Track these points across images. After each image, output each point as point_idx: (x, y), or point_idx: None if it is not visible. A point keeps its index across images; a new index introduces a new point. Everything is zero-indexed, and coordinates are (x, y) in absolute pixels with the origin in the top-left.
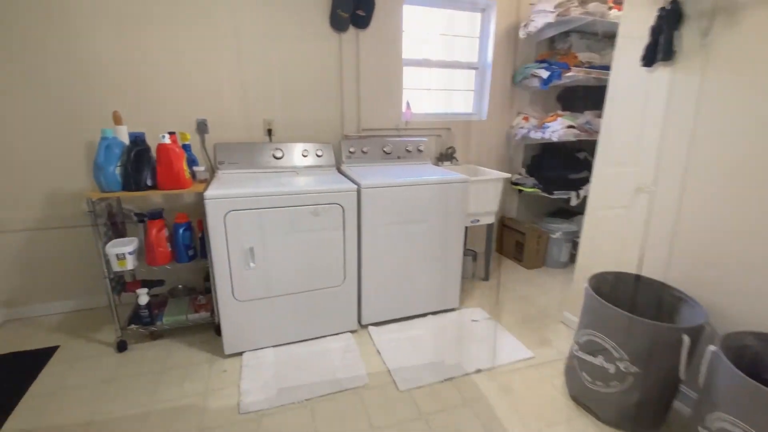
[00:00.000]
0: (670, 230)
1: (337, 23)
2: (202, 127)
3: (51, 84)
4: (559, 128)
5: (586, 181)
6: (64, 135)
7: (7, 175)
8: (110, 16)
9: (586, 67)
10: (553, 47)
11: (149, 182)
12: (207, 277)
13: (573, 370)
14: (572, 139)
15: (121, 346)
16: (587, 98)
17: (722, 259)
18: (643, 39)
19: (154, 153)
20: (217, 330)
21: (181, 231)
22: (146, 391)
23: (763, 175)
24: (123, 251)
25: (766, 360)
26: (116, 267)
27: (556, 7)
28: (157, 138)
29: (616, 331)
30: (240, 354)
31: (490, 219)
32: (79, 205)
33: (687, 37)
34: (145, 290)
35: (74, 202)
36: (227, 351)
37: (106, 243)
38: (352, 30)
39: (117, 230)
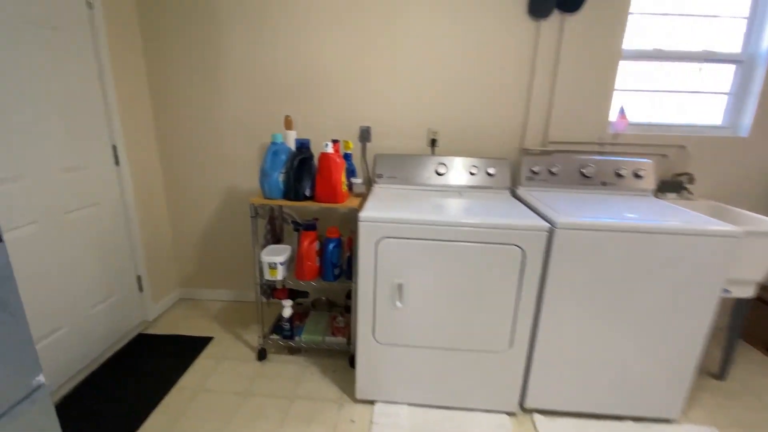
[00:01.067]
0: None
1: (538, 7)
2: (364, 135)
3: (233, 89)
4: None
5: None
6: (243, 137)
7: (200, 169)
8: (289, 23)
9: None
10: None
11: (307, 192)
12: (349, 294)
13: None
14: None
15: (261, 355)
16: None
17: None
18: None
19: (316, 161)
20: (351, 361)
21: (330, 247)
22: (272, 422)
23: None
24: (275, 261)
25: None
26: (267, 275)
27: None
28: (320, 145)
29: None
30: (371, 402)
31: (748, 291)
32: (247, 203)
33: None
34: (289, 303)
35: (245, 200)
36: (359, 395)
37: (264, 246)
38: (555, 15)
39: (275, 234)
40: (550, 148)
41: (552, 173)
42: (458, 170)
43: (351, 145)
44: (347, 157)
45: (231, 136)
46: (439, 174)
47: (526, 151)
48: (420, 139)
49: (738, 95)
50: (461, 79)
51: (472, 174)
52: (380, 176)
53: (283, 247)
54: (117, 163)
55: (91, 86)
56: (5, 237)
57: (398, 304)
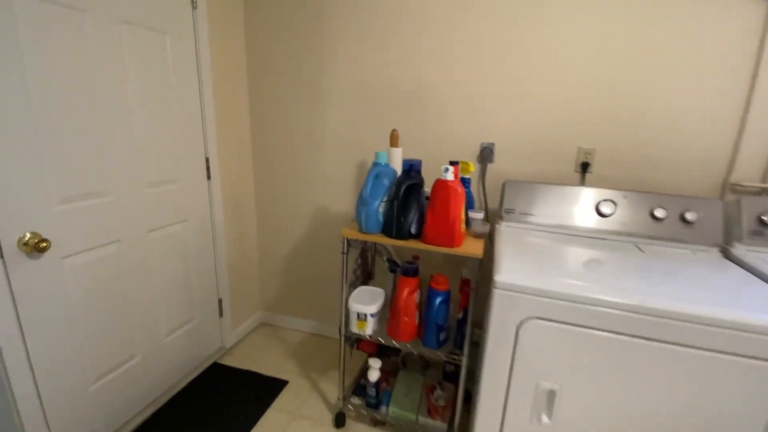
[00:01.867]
0: None
1: None
2: (486, 155)
3: (333, 102)
4: None
5: None
6: (341, 154)
7: (293, 187)
8: (399, 28)
9: None
10: None
11: (413, 229)
12: (452, 360)
13: None
14: None
15: (339, 420)
16: None
17: None
18: None
19: (427, 188)
20: None
21: (436, 302)
22: None
23: None
24: (365, 312)
25: None
26: (354, 327)
27: None
28: (431, 167)
29: None
30: None
31: None
32: (337, 228)
33: None
34: (378, 364)
35: (334, 225)
36: None
37: (353, 283)
38: None
39: (366, 269)
40: None
41: None
42: (632, 211)
43: (472, 168)
44: (465, 182)
45: (328, 152)
46: (603, 215)
47: (735, 187)
48: (564, 161)
49: None
50: (630, 80)
51: (656, 218)
52: (510, 211)
53: (376, 292)
54: (209, 177)
55: (189, 93)
56: (83, 257)
57: (545, 419)
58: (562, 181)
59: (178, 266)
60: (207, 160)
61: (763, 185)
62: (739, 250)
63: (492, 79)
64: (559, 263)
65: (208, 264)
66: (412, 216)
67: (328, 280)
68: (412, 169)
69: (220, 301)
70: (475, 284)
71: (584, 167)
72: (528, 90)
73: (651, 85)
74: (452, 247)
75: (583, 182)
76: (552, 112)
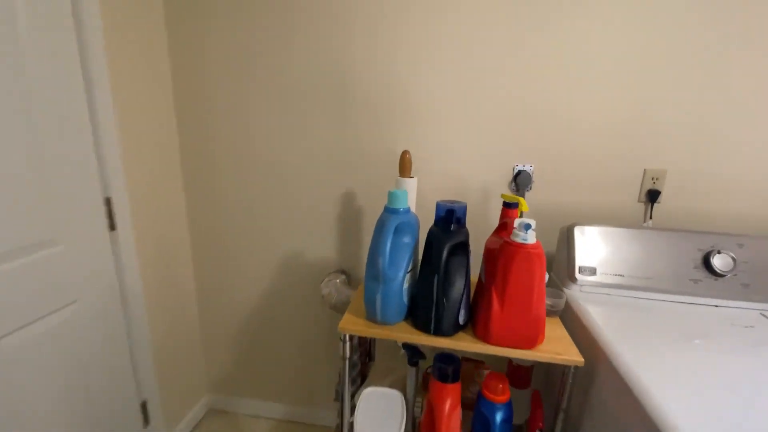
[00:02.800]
0: None
1: None
2: (523, 182)
3: (299, 109)
4: None
5: None
6: (317, 181)
7: (249, 227)
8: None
9: None
10: None
11: (461, 318)
12: None
13: None
14: None
15: None
16: None
17: None
18: None
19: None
20: None
21: (496, 421)
22: None
23: None
24: None
25: None
26: None
27: None
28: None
29: None
30: None
31: None
32: (313, 279)
33: None
34: None
35: (309, 275)
36: None
37: (352, 381)
38: None
39: (365, 351)
40: None
41: None
42: (753, 265)
43: (526, 207)
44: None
45: (300, 178)
46: (715, 272)
47: None
48: (625, 188)
49: None
50: (711, 76)
51: None
52: (589, 271)
53: (390, 398)
54: (113, 227)
55: (69, 99)
56: None
57: None
58: (622, 215)
59: (63, 378)
60: (108, 201)
61: None
62: None
63: (522, 74)
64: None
65: (118, 358)
66: (461, 297)
67: (302, 348)
68: (452, 216)
69: (143, 405)
70: (565, 401)
71: (652, 196)
72: (575, 92)
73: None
74: (533, 347)
75: (650, 215)
76: (609, 122)
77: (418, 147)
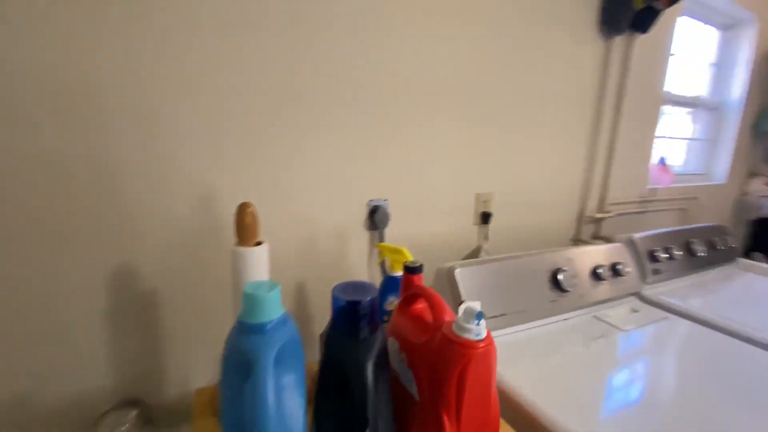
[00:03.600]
0: None
1: (614, 19)
2: (379, 219)
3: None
4: None
5: None
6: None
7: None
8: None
9: None
10: None
11: None
12: None
13: None
14: None
15: None
16: None
17: None
18: None
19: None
20: None
21: None
22: None
23: None
24: None
25: None
26: None
27: None
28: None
29: None
30: None
31: None
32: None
33: None
34: None
35: (67, 419)
36: None
37: None
38: (621, 39)
39: None
40: (611, 211)
41: (671, 258)
42: (579, 274)
43: (409, 255)
44: (394, 283)
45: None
46: (562, 289)
47: (586, 218)
48: (465, 213)
49: (713, 141)
50: (508, 114)
51: (597, 277)
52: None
53: None
54: None
55: None
56: None
57: None
58: (464, 239)
59: None
60: None
61: (602, 214)
62: (647, 291)
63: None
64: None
65: None
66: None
67: None
68: (358, 310)
69: None
70: None
71: (485, 218)
72: (417, 129)
73: (526, 118)
74: None
75: (486, 236)
76: (447, 150)
77: (256, 189)
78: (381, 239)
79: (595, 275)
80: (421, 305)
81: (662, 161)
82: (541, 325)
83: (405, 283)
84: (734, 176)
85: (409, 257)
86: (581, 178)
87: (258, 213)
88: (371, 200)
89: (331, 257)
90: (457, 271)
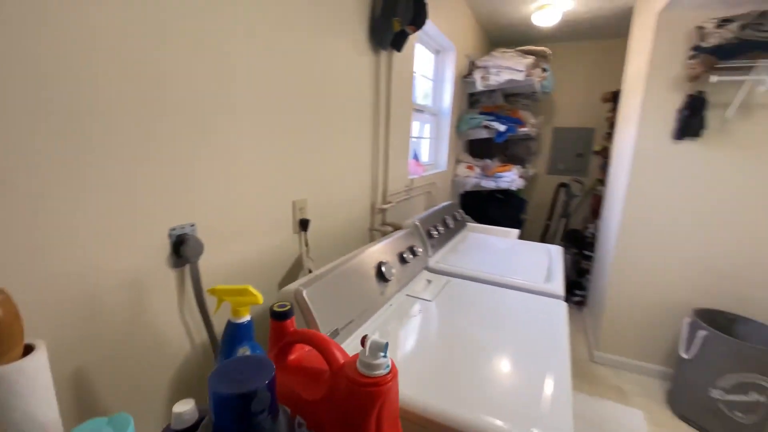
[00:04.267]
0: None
1: (380, 36)
2: (188, 251)
3: None
4: (515, 177)
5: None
6: None
7: None
8: None
9: (531, 124)
10: (477, 99)
11: None
12: None
13: (718, 413)
14: (521, 186)
15: None
16: (495, 148)
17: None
18: (661, 118)
19: None
20: None
21: None
22: None
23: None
24: None
25: None
26: None
27: (526, 67)
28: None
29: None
30: None
31: None
32: None
33: (712, 118)
34: None
35: None
36: None
37: None
38: (386, 50)
39: None
40: (392, 201)
41: (438, 233)
42: (392, 262)
43: (260, 298)
44: (241, 333)
45: None
46: (386, 279)
47: (380, 210)
48: (283, 223)
49: (435, 139)
50: (306, 119)
51: (404, 261)
52: (336, 333)
53: None
54: None
55: None
56: None
57: None
58: (287, 250)
59: None
60: None
61: (386, 204)
62: (432, 262)
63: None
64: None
65: None
66: None
67: None
68: (251, 403)
69: None
70: None
71: (303, 225)
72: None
73: (322, 129)
74: None
75: (306, 242)
76: (258, 163)
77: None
78: (195, 276)
79: (402, 259)
80: (296, 353)
81: (416, 156)
82: (377, 318)
83: (276, 333)
84: (450, 164)
85: (259, 296)
86: (369, 176)
87: (15, 301)
88: (173, 228)
89: (122, 321)
90: (305, 293)
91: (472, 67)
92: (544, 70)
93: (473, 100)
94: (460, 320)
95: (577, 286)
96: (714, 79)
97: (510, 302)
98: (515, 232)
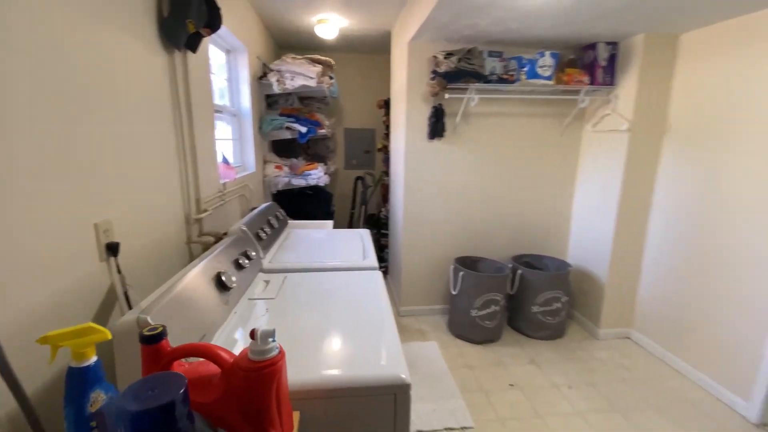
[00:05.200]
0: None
1: (174, 35)
2: None
3: None
4: (321, 174)
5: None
6: None
7: None
8: None
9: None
10: (275, 101)
11: None
12: None
13: (476, 325)
14: (327, 182)
15: None
16: (298, 148)
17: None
18: (420, 123)
19: None
20: None
21: None
22: None
23: (476, 192)
24: None
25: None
26: None
27: (317, 75)
28: None
29: (498, 285)
30: None
31: None
32: None
33: (448, 124)
34: None
35: None
36: None
37: None
38: (181, 51)
39: None
40: (207, 209)
41: (266, 234)
42: (231, 271)
43: (108, 334)
44: (97, 372)
45: None
46: (228, 288)
47: (195, 220)
48: (85, 252)
49: (239, 140)
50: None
51: (241, 267)
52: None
53: None
54: None
55: None
56: None
57: None
58: (91, 285)
59: None
60: None
61: (201, 214)
62: (266, 264)
63: None
64: None
65: None
66: None
67: None
68: (174, 414)
69: None
70: None
71: (111, 250)
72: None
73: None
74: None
75: (119, 268)
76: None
77: None
78: None
79: (239, 265)
80: (177, 370)
81: (225, 160)
82: (225, 327)
83: (150, 358)
84: (259, 165)
85: (106, 332)
86: (179, 185)
87: None
88: None
89: None
90: (150, 319)
91: (267, 69)
92: (331, 77)
93: (270, 101)
94: (304, 307)
95: (381, 259)
96: (447, 96)
97: (341, 281)
98: (329, 223)
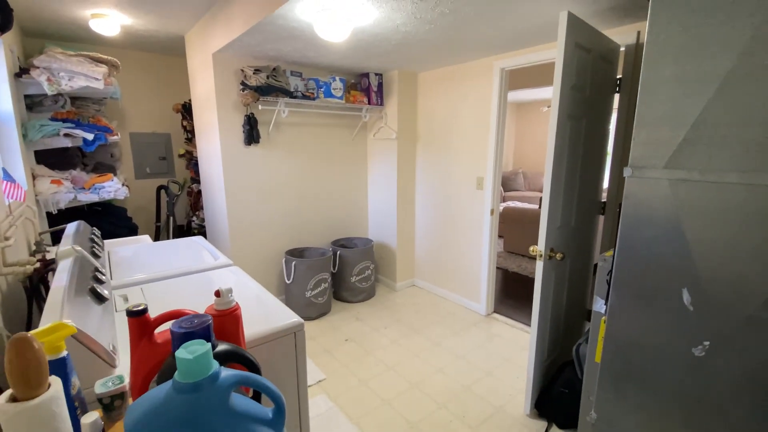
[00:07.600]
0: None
1: None
2: None
3: None
4: (119, 186)
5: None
6: None
7: None
8: None
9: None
10: (39, 102)
11: None
12: None
13: (312, 304)
14: (127, 194)
15: None
16: (72, 158)
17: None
18: (235, 130)
19: None
20: None
21: None
22: None
23: (293, 191)
24: None
25: None
26: None
27: (104, 76)
28: None
29: (324, 266)
30: None
31: None
32: None
33: (262, 131)
34: None
35: None
36: None
37: None
38: None
39: None
40: (9, 237)
41: (99, 251)
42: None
43: (73, 328)
44: (69, 362)
45: None
46: (103, 298)
47: (2, 251)
48: None
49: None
50: None
51: (100, 281)
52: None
53: None
54: None
55: None
56: None
57: None
58: None
59: None
60: None
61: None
62: (112, 282)
63: None
64: None
65: None
66: None
67: None
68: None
69: None
70: None
71: None
72: None
73: None
74: None
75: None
76: None
77: None
78: None
79: (99, 281)
80: (159, 337)
81: (8, 176)
82: (120, 333)
83: (138, 328)
84: (29, 180)
85: (72, 326)
86: None
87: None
88: None
89: None
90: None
91: (29, 66)
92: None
93: (31, 103)
94: (195, 300)
95: None
96: (260, 107)
97: (206, 280)
98: (146, 237)
